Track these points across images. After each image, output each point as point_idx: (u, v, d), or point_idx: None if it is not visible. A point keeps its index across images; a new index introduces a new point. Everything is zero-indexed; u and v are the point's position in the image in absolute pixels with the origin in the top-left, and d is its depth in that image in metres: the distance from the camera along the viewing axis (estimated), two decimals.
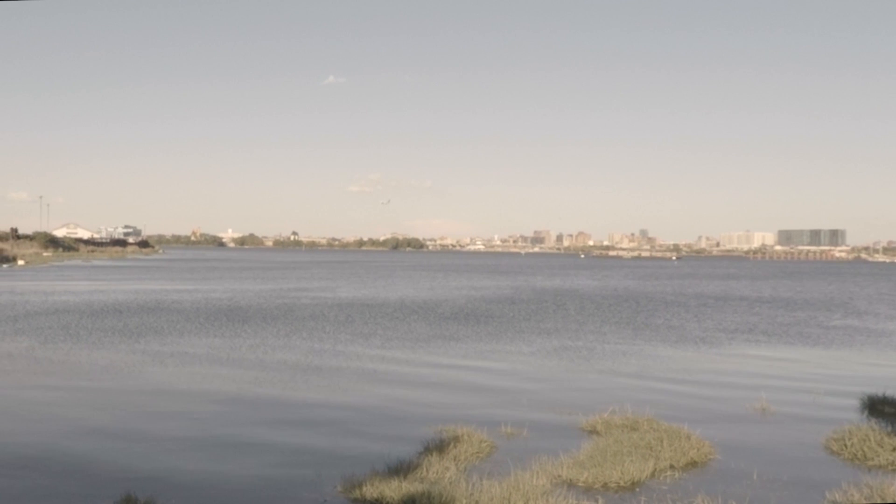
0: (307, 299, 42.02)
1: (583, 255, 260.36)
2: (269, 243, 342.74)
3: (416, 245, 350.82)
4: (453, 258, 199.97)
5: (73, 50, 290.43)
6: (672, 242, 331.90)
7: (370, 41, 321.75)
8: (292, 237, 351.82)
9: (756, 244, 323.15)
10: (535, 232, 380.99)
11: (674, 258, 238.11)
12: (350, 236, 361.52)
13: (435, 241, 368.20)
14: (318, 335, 26.12)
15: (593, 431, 12.88)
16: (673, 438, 11.89)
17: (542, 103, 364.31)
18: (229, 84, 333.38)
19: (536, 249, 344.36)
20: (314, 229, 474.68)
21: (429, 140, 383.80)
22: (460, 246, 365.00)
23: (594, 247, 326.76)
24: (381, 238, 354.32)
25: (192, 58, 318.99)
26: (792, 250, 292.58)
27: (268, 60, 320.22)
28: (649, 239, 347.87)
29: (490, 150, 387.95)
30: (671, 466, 10.77)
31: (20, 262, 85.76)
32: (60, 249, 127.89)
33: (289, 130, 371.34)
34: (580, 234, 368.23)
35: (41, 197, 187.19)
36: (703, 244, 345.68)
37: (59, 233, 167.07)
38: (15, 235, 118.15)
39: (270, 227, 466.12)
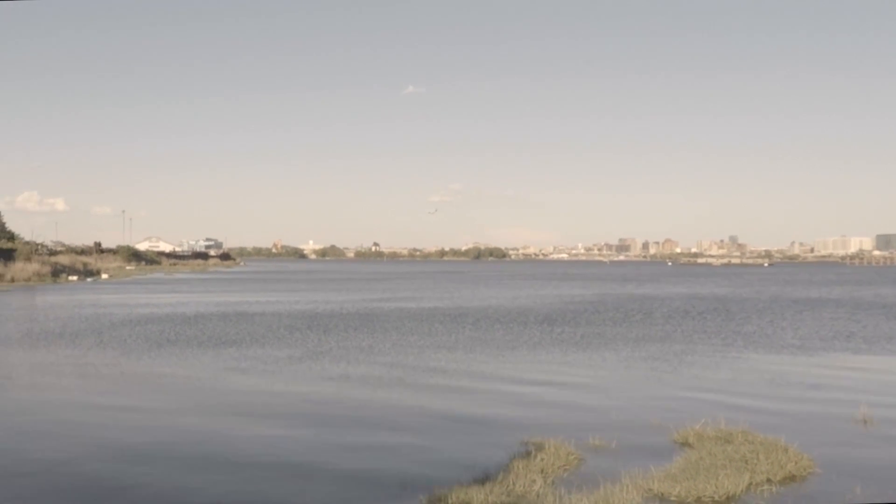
0: (389, 309, 42.23)
1: (670, 263, 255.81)
2: (351, 255, 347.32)
3: (498, 254, 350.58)
4: (536, 267, 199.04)
5: (155, 65, 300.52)
6: (763, 249, 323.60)
7: (449, 50, 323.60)
8: (373, 248, 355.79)
9: (853, 249, 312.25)
10: (620, 240, 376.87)
11: (765, 265, 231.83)
12: (431, 246, 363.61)
13: (517, 250, 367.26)
14: (400, 345, 26.15)
15: (685, 444, 12.47)
16: (769, 451, 11.42)
17: (626, 109, 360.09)
18: (310, 96, 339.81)
19: (621, 258, 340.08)
20: (395, 240, 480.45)
21: (510, 148, 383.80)
22: (543, 255, 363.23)
23: (682, 254, 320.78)
24: (463, 248, 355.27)
25: (273, 70, 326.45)
26: (891, 255, 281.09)
27: (348, 71, 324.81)
28: (739, 245, 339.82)
29: (573, 157, 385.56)
30: (768, 480, 10.32)
31: (104, 276, 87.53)
32: (143, 263, 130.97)
33: (369, 141, 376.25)
34: (667, 241, 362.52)
35: (124, 211, 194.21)
36: (797, 250, 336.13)
37: (142, 246, 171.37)
38: (98, 250, 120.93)
39: (351, 239, 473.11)
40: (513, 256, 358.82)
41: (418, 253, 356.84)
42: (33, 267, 73.40)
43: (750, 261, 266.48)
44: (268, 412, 15.32)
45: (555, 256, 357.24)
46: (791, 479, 10.57)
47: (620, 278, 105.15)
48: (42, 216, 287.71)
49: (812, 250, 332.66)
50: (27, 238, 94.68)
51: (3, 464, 11.30)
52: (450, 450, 12.29)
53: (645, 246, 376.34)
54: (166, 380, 19.13)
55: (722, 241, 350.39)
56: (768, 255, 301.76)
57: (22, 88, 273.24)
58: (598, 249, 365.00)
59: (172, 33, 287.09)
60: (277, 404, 16.16)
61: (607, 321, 36.02)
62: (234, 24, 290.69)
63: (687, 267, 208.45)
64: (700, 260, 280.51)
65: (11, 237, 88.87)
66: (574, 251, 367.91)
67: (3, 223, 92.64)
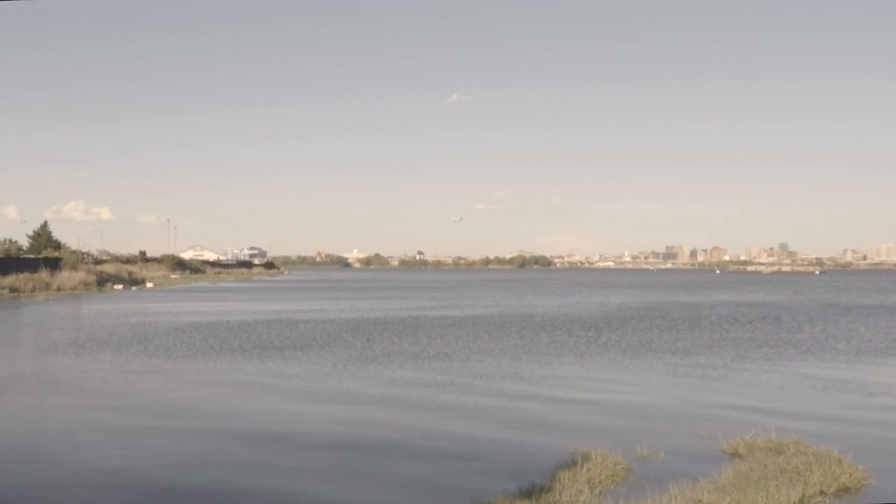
0: (434, 317, 42.22)
1: (718, 271, 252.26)
2: (395, 263, 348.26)
3: (543, 263, 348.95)
4: (582, 275, 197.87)
5: (200, 75, 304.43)
6: (815, 256, 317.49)
7: (495, 58, 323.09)
8: (418, 256, 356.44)
9: None
10: (667, 247, 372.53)
11: (817, 272, 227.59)
12: (476, 255, 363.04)
13: (563, 258, 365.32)
14: (446, 351, 26.09)
15: (735, 454, 12.24)
16: (822, 462, 11.15)
17: (674, 116, 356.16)
18: (353, 103, 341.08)
19: (668, 266, 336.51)
20: (440, 248, 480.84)
21: (555, 156, 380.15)
22: (589, 263, 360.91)
23: (730, 262, 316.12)
24: (508, 256, 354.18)
25: (318, 79, 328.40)
26: None
27: (392, 79, 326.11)
28: (790, 253, 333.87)
29: (619, 164, 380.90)
30: (821, 492, 10.06)
31: (149, 285, 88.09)
32: (188, 271, 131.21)
33: (413, 149, 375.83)
34: (715, 248, 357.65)
35: (169, 220, 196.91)
36: (849, 257, 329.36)
37: (186, 255, 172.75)
38: (143, 258, 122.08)
39: (395, 247, 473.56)
40: (558, 265, 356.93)
41: (462, 261, 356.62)
42: (79, 276, 74.18)
43: (801, 268, 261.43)
44: (314, 417, 15.40)
45: (601, 264, 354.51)
46: (845, 490, 10.32)
47: (667, 286, 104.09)
48: (88, 225, 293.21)
49: (865, 257, 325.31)
50: (73, 247, 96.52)
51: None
52: (495, 458, 12.20)
53: (693, 254, 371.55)
54: (210, 387, 19.31)
55: (772, 248, 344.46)
56: (819, 262, 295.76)
57: (68, 100, 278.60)
58: (645, 257, 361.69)
59: (213, 43, 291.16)
60: (321, 410, 16.22)
61: (654, 328, 35.63)
62: (275, 33, 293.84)
63: (736, 275, 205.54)
64: (749, 268, 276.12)
65: (58, 246, 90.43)
66: (620, 259, 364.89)
67: (50, 232, 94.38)
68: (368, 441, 13.38)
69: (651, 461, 11.91)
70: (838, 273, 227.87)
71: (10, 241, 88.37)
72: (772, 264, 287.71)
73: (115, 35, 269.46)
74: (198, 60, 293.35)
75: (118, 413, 16.02)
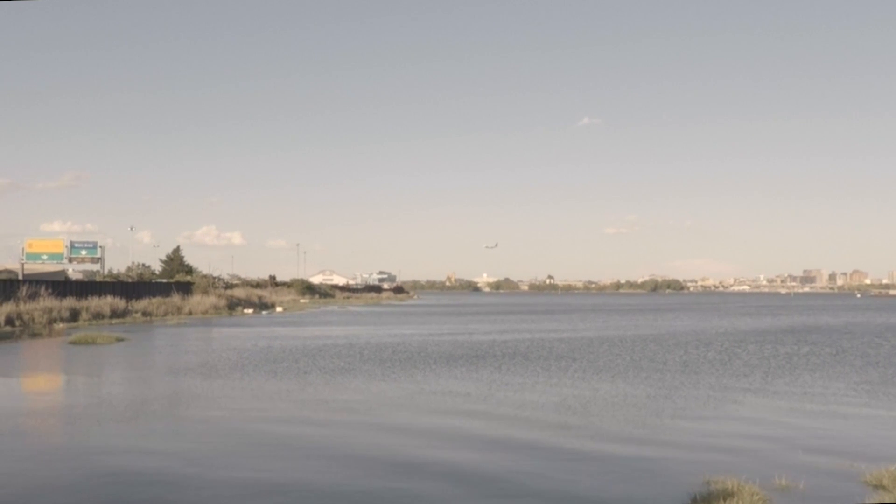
0: (561, 339, 41.94)
1: (859, 295, 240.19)
2: (525, 287, 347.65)
3: (675, 287, 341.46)
4: (716, 299, 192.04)
5: (330, 109, 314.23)
6: None
7: (626, 82, 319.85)
8: (547, 281, 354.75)
9: None
10: (805, 271, 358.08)
11: None
12: (607, 279, 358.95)
13: (696, 282, 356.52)
14: (574, 375, 25.90)
15: (879, 486, 11.84)
16: None
17: (812, 139, 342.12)
18: (481, 132, 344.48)
19: (806, 290, 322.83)
20: (570, 272, 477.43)
21: (688, 179, 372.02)
22: (723, 287, 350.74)
23: (872, 285, 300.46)
24: (640, 280, 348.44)
25: (447, 112, 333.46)
26: None
27: (521, 104, 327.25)
28: None
29: (754, 187, 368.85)
30: None
31: (278, 309, 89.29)
32: (317, 296, 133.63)
33: (543, 173, 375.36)
34: (855, 272, 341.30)
35: (298, 244, 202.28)
36: None
37: (316, 279, 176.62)
38: (273, 283, 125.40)
39: (525, 272, 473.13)
40: (691, 289, 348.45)
41: (593, 285, 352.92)
42: (210, 300, 76.01)
43: None
44: (450, 434, 15.70)
45: (735, 288, 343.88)
46: None
47: (804, 310, 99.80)
48: (219, 250, 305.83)
49: None
50: (204, 271, 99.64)
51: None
52: (630, 487, 12.17)
53: (831, 277, 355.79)
54: (343, 405, 19.88)
55: None
56: None
57: (202, 131, 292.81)
58: (781, 281, 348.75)
59: (353, 78, 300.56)
60: (458, 425, 16.49)
61: (794, 353, 34.32)
62: (414, 68, 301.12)
63: (879, 299, 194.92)
64: (892, 291, 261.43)
65: (189, 270, 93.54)
66: (756, 283, 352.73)
67: (182, 257, 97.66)
68: (497, 464, 13.57)
69: (791, 492, 11.65)
70: None
71: (143, 265, 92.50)
72: None
73: (250, 73, 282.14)
74: (329, 96, 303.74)
75: (252, 432, 16.80)
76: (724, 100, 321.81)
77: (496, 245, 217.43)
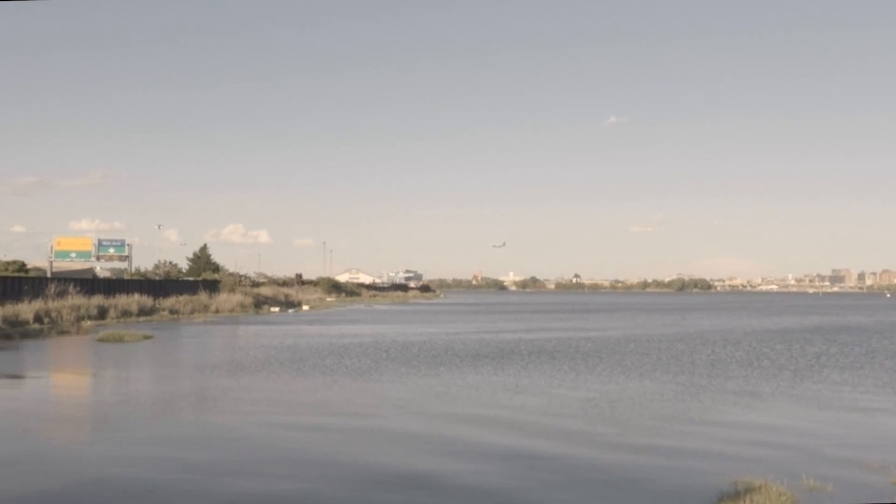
0: (588, 338, 41.72)
1: (888, 294, 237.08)
2: (551, 286, 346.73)
3: (703, 286, 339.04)
4: (744, 298, 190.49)
5: (357, 107, 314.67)
6: None
7: (653, 81, 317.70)
8: (574, 279, 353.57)
9: None
10: (833, 270, 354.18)
11: None
12: (633, 278, 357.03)
13: (723, 281, 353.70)
14: (601, 374, 25.79)
15: None
16: None
17: (840, 139, 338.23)
18: (509, 131, 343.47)
19: (835, 289, 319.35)
20: (596, 271, 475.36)
21: (715, 178, 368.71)
22: (751, 286, 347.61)
23: None
24: (666, 279, 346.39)
25: (472, 111, 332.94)
26: None
27: (548, 102, 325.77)
28: None
29: (782, 185, 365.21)
30: None
31: (305, 307, 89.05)
32: (343, 294, 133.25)
33: (569, 172, 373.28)
34: (885, 271, 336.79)
35: (325, 243, 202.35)
36: None
37: (342, 278, 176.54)
38: (299, 281, 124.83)
39: (552, 270, 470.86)
40: (718, 288, 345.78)
41: (620, 284, 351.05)
42: (237, 298, 75.89)
43: None
44: (472, 437, 15.67)
45: (763, 288, 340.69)
46: None
47: (834, 309, 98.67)
48: (246, 248, 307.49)
49: None
50: (231, 269, 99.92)
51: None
52: (656, 488, 12.11)
53: (860, 277, 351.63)
54: (371, 408, 19.89)
55: None
56: None
57: (229, 129, 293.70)
58: (810, 280, 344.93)
59: (381, 75, 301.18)
60: (480, 425, 16.41)
61: (822, 353, 33.93)
62: (442, 67, 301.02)
63: None
64: None
65: (216, 268, 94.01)
66: (784, 282, 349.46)
67: (209, 255, 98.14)
68: (519, 465, 13.56)
69: (819, 493, 11.51)
70: None
71: (170, 263, 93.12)
72: None
73: (278, 71, 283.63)
74: (361, 94, 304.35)
75: (281, 428, 16.84)
76: (752, 98, 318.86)
77: (503, 244, 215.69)
